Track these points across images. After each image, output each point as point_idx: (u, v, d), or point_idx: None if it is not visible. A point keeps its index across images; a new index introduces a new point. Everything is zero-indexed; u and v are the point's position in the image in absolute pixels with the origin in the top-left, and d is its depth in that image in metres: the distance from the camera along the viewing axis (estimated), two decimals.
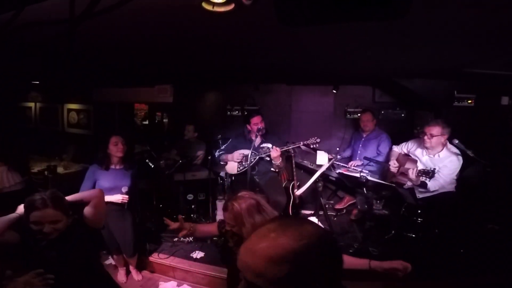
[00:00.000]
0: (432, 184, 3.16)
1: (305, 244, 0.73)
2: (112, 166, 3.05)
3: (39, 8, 1.53)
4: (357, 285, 2.54)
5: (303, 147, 3.92)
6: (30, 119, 7.32)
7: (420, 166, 3.29)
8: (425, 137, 3.27)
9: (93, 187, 2.96)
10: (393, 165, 3.56)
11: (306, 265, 0.72)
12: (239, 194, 1.82)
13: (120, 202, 2.96)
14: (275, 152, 3.45)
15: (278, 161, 3.54)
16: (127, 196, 2.98)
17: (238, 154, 3.71)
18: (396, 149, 3.79)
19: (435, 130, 3.22)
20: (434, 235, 3.34)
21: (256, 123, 3.62)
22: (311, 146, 3.65)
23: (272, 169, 3.76)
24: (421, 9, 1.57)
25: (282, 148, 3.55)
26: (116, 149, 2.99)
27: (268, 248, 0.74)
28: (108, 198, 2.88)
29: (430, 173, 3.02)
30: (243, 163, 3.69)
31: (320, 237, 0.77)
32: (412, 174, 3.14)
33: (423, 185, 3.21)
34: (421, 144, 3.41)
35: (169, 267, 3.42)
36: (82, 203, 1.94)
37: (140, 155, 4.71)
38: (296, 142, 3.63)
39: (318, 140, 3.55)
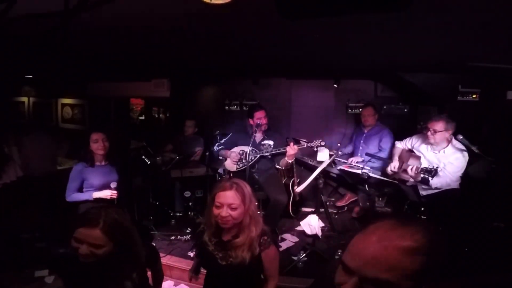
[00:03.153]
0: (436, 181, 3.08)
1: (433, 238, 0.76)
2: (97, 163, 2.94)
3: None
4: None
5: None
6: (23, 114, 7.19)
7: (424, 163, 3.21)
8: (429, 133, 3.19)
9: (81, 186, 2.86)
10: (392, 168, 3.43)
11: (436, 258, 0.75)
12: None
13: (109, 198, 2.82)
14: (292, 149, 3.22)
15: (292, 159, 3.37)
16: (116, 192, 2.85)
17: (236, 154, 3.61)
18: (399, 145, 3.69)
19: (439, 125, 3.13)
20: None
21: (260, 117, 3.51)
22: (315, 149, 3.56)
23: (277, 166, 3.66)
24: (424, 1, 1.49)
25: (300, 146, 3.38)
26: (96, 146, 2.87)
27: (401, 240, 0.75)
28: (96, 194, 2.81)
29: (432, 172, 2.93)
30: (243, 160, 3.59)
31: (438, 232, 0.82)
32: (411, 172, 3.07)
33: (425, 181, 3.12)
34: (426, 140, 3.32)
35: (166, 266, 3.33)
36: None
37: (136, 151, 4.63)
38: (301, 142, 3.49)
39: (323, 143, 3.43)
